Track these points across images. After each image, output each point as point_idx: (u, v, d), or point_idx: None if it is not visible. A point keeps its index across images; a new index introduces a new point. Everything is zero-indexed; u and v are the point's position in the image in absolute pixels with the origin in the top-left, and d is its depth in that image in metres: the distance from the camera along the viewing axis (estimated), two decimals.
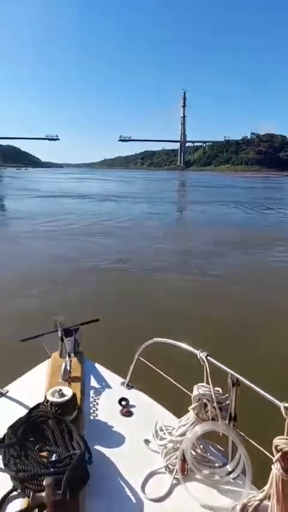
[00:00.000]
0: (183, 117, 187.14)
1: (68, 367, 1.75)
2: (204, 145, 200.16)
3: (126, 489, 1.27)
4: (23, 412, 1.48)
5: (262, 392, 1.22)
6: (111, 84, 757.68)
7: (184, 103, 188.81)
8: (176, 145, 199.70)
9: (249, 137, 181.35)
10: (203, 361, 1.40)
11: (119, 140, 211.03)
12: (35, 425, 1.38)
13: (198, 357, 1.42)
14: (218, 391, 1.37)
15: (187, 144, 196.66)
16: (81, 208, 21.67)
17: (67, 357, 1.84)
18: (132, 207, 23.42)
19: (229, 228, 15.11)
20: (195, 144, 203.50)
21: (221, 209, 23.04)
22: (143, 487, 1.29)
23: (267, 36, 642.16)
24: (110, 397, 1.74)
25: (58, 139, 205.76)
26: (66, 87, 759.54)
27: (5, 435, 1.34)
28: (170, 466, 1.38)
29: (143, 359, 1.84)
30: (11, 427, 1.35)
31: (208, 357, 1.40)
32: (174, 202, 29.97)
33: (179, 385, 1.66)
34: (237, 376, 1.32)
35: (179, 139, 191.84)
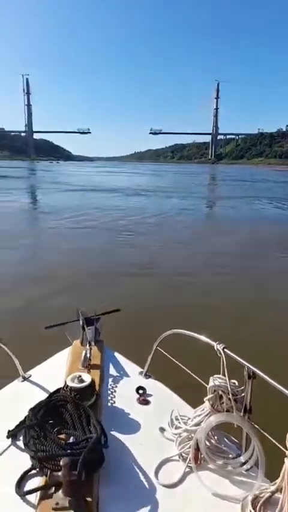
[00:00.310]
0: (216, 109, 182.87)
1: (88, 355, 1.81)
2: (236, 137, 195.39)
3: (140, 474, 1.31)
4: (44, 395, 1.55)
5: (278, 385, 1.22)
6: (143, 78, 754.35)
7: (217, 95, 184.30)
8: (208, 138, 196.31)
9: (284, 130, 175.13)
10: (220, 353, 1.41)
11: (150, 133, 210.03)
12: (54, 408, 1.44)
13: (215, 348, 1.44)
14: (234, 383, 1.38)
15: (219, 137, 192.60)
16: (110, 203, 20.53)
17: (87, 345, 1.91)
18: (162, 201, 22.19)
19: (265, 227, 13.85)
20: (228, 136, 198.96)
21: (254, 205, 21.45)
22: (156, 473, 1.32)
23: None
24: (127, 385, 1.79)
25: (89, 132, 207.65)
26: (98, 82, 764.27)
27: (26, 417, 1.42)
28: (183, 455, 1.40)
29: (161, 349, 1.87)
30: (32, 410, 1.42)
31: (225, 349, 1.41)
32: (204, 197, 27.86)
33: (195, 376, 1.67)
34: (254, 369, 1.32)
35: (210, 131, 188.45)
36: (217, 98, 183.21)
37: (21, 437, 1.38)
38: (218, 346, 1.43)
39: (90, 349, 1.87)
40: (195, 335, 1.58)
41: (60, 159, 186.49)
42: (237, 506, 1.20)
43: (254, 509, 1.16)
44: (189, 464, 1.36)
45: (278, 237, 11.82)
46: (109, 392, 1.73)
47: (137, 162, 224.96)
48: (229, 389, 1.35)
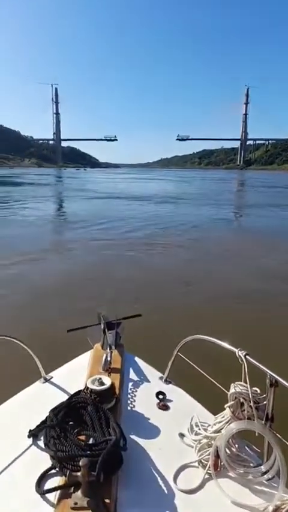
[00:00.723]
0: (245, 114, 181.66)
1: (109, 358, 1.83)
2: (266, 143, 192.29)
3: (158, 478, 1.31)
4: (65, 397, 1.58)
5: None
6: (171, 84, 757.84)
7: (247, 100, 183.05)
8: (236, 144, 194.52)
9: None
10: (242, 360, 1.39)
11: (177, 139, 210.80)
12: (75, 410, 1.46)
13: (237, 355, 1.41)
14: (256, 390, 1.35)
15: (248, 142, 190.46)
16: (138, 212, 18.89)
17: (108, 348, 1.92)
18: (192, 211, 20.40)
19: None
20: (257, 142, 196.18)
21: None
22: (175, 478, 1.31)
23: None
24: (147, 390, 1.78)
25: (116, 139, 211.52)
26: (125, 90, 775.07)
27: (47, 417, 1.45)
28: (203, 461, 1.38)
29: (182, 355, 1.86)
30: (52, 410, 1.45)
31: (247, 356, 1.38)
32: (237, 205, 25.43)
33: (216, 383, 1.65)
34: (276, 377, 1.29)
35: (239, 137, 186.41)
36: (246, 103, 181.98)
37: (42, 437, 1.41)
38: (240, 353, 1.41)
39: (111, 352, 1.88)
40: (217, 341, 1.57)
41: (87, 166, 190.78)
42: None
43: None
44: (208, 471, 1.34)
45: None
46: (129, 396, 1.74)
47: (163, 168, 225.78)
48: (250, 396, 1.32)
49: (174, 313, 5.52)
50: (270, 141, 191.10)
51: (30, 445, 1.42)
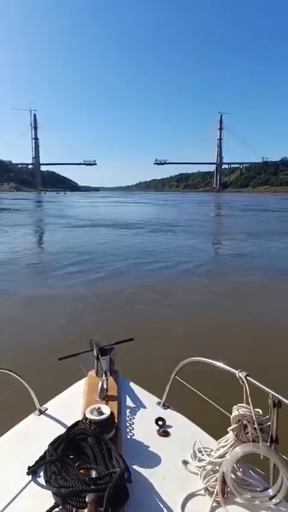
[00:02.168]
0: (220, 139, 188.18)
1: (105, 386, 1.78)
2: (241, 166, 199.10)
3: (166, 510, 1.26)
4: (62, 429, 1.52)
5: None
6: (148, 109, 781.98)
7: (220, 125, 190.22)
8: (212, 168, 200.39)
9: None
10: (243, 381, 1.38)
11: (155, 163, 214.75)
12: (74, 442, 1.41)
13: (237, 376, 1.41)
14: (258, 412, 1.34)
15: (223, 166, 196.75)
16: (132, 246, 14.85)
17: (103, 375, 1.87)
18: (195, 243, 16.26)
19: None
20: (232, 165, 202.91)
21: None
22: (182, 509, 1.27)
23: None
24: (146, 417, 1.75)
25: (95, 164, 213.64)
26: (104, 113, 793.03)
27: (45, 452, 1.38)
28: (209, 488, 1.35)
29: (179, 378, 1.84)
30: (51, 444, 1.39)
31: (248, 377, 1.38)
32: (240, 235, 18.86)
33: (216, 406, 1.64)
34: (279, 397, 1.29)
35: (215, 161, 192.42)
36: (220, 128, 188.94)
37: (41, 474, 1.34)
38: (240, 374, 1.40)
39: (107, 379, 1.83)
40: (215, 363, 1.56)
41: (66, 189, 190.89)
42: None
43: None
44: (216, 499, 1.31)
45: None
46: (128, 424, 1.69)
47: (142, 191, 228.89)
48: (254, 418, 1.32)
49: None
50: (244, 165, 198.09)
51: (30, 483, 1.34)
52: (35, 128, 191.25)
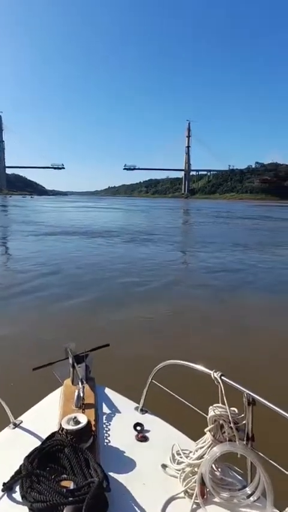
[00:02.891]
0: (188, 146, 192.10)
1: (81, 394, 1.74)
2: (208, 174, 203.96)
3: None
4: (38, 441, 1.48)
5: (279, 410, 1.22)
6: (117, 114, 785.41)
7: (189, 133, 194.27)
8: (181, 174, 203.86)
9: (253, 166, 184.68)
10: (218, 382, 1.40)
11: (124, 169, 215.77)
12: (51, 454, 1.37)
13: (213, 377, 1.43)
14: (234, 411, 1.36)
15: (191, 173, 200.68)
16: (105, 260, 12.60)
17: (79, 383, 1.83)
18: (180, 257, 15.02)
19: None
20: (200, 172, 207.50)
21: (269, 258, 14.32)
22: None
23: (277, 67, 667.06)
24: (124, 423, 1.73)
25: (64, 168, 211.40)
26: (71, 118, 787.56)
27: (21, 466, 1.33)
28: (189, 491, 1.35)
29: (156, 382, 1.83)
30: (26, 458, 1.34)
31: (222, 377, 1.40)
32: (227, 245, 17.14)
33: (194, 407, 1.65)
34: (253, 395, 1.32)
35: (183, 168, 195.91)
36: (188, 136, 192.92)
37: (17, 489, 1.28)
38: (215, 374, 1.42)
39: (83, 387, 1.80)
40: (191, 365, 1.57)
41: (33, 193, 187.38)
42: None
43: None
44: (196, 501, 1.31)
45: None
46: (106, 432, 1.67)
47: (112, 196, 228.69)
48: (230, 418, 1.33)
49: None
50: (211, 172, 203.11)
51: (6, 499, 1.29)
52: (0, 130, 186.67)
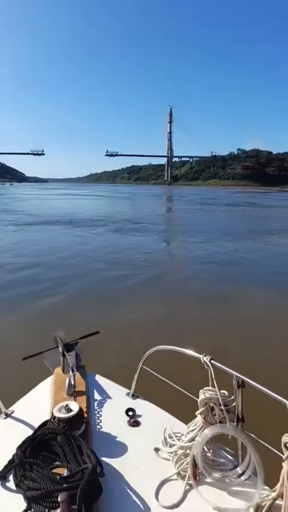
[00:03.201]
0: (170, 132, 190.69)
1: (72, 382, 1.75)
2: (191, 160, 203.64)
3: (140, 499, 1.28)
4: (30, 431, 1.48)
5: (268, 391, 1.25)
6: (99, 100, 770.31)
7: (171, 119, 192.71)
8: (163, 160, 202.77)
9: (235, 153, 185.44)
10: (207, 365, 1.43)
11: (106, 155, 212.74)
12: (43, 442, 1.37)
13: (202, 361, 1.45)
14: (224, 393, 1.39)
15: (174, 159, 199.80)
16: (91, 251, 11.90)
17: (70, 371, 1.84)
18: (173, 248, 14.21)
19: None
20: (182, 159, 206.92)
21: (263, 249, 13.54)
22: (156, 496, 1.29)
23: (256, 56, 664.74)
24: (116, 409, 1.74)
25: (44, 154, 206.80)
26: (52, 104, 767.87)
27: (14, 455, 1.33)
28: (181, 473, 1.39)
29: (147, 368, 1.85)
30: (19, 447, 1.34)
31: (212, 361, 1.42)
32: (222, 235, 16.30)
33: (184, 391, 1.67)
34: (242, 377, 1.34)
35: (166, 154, 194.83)
36: (170, 122, 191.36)
37: (11, 478, 1.29)
38: (205, 358, 1.44)
39: (74, 375, 1.80)
40: (181, 349, 1.59)
41: (13, 180, 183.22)
42: None
43: None
44: (188, 482, 1.34)
45: None
46: (98, 418, 1.68)
47: (94, 183, 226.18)
48: (220, 400, 1.36)
49: None
50: (194, 158, 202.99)
51: (0, 489, 1.29)
52: None
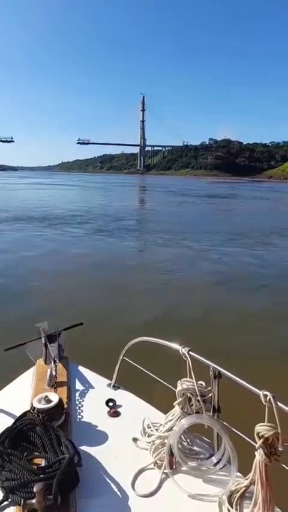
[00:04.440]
0: (143, 121, 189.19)
1: (54, 373, 1.76)
2: (163, 149, 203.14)
3: (117, 488, 1.30)
4: (10, 422, 1.47)
5: (242, 382, 1.29)
6: (69, 86, 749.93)
7: (143, 107, 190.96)
8: (136, 149, 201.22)
9: (207, 143, 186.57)
10: (185, 357, 1.46)
11: (77, 143, 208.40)
12: (22, 433, 1.38)
13: (181, 352, 1.48)
14: (202, 384, 1.43)
15: (147, 149, 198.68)
16: (73, 266, 9.15)
17: (52, 362, 1.85)
18: (182, 259, 10.35)
19: None
20: (155, 148, 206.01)
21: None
22: (133, 485, 1.32)
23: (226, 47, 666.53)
24: (97, 399, 1.76)
25: (13, 141, 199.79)
26: (22, 89, 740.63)
27: None
28: (158, 462, 1.42)
29: (127, 359, 1.87)
30: None
31: (190, 352, 1.46)
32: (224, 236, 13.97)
33: (164, 382, 1.70)
34: (219, 368, 1.38)
35: (138, 143, 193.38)
36: (143, 110, 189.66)
37: None
38: (183, 350, 1.47)
39: (56, 366, 1.81)
40: (161, 341, 1.61)
41: None
42: (214, 505, 1.24)
43: (230, 505, 1.21)
44: (164, 471, 1.37)
45: None
46: (78, 409, 1.69)
47: (65, 172, 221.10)
48: (197, 391, 1.40)
49: None
50: (166, 148, 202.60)
51: None
52: None
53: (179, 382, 1.45)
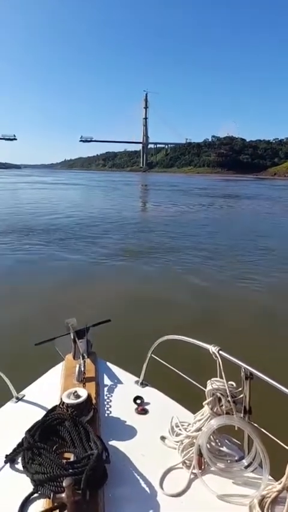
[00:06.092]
0: (145, 118, 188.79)
1: (82, 368, 1.77)
2: (166, 147, 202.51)
3: (145, 486, 1.29)
4: (40, 415, 1.48)
5: (275, 384, 1.26)
6: (73, 84, 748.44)
7: (146, 104, 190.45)
8: (138, 147, 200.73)
9: (210, 140, 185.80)
10: (216, 356, 1.44)
11: (80, 141, 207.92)
12: (52, 427, 1.39)
13: (211, 351, 1.46)
14: (232, 385, 1.41)
15: (149, 146, 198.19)
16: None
17: (80, 358, 1.86)
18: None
19: None
20: (158, 145, 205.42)
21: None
22: (161, 484, 1.31)
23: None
24: (124, 396, 1.76)
25: (15, 139, 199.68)
26: (25, 87, 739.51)
27: (23, 439, 1.36)
28: (186, 462, 1.40)
29: (155, 357, 1.86)
30: (28, 431, 1.37)
31: (220, 352, 1.43)
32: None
33: (192, 381, 1.68)
34: (251, 369, 1.36)
35: (141, 140, 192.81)
36: (146, 107, 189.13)
37: (19, 461, 1.32)
38: (213, 349, 1.45)
39: (84, 362, 1.83)
40: (190, 339, 1.59)
41: None
42: (244, 508, 1.22)
43: (261, 509, 1.19)
44: (193, 471, 1.36)
45: None
46: (106, 405, 1.70)
47: (68, 170, 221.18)
48: (227, 391, 1.37)
49: None
50: (169, 145, 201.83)
51: (8, 470, 1.32)
52: None
53: (208, 381, 1.43)
